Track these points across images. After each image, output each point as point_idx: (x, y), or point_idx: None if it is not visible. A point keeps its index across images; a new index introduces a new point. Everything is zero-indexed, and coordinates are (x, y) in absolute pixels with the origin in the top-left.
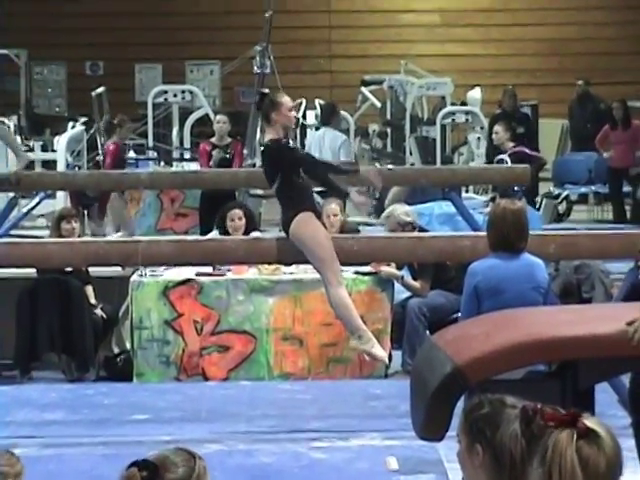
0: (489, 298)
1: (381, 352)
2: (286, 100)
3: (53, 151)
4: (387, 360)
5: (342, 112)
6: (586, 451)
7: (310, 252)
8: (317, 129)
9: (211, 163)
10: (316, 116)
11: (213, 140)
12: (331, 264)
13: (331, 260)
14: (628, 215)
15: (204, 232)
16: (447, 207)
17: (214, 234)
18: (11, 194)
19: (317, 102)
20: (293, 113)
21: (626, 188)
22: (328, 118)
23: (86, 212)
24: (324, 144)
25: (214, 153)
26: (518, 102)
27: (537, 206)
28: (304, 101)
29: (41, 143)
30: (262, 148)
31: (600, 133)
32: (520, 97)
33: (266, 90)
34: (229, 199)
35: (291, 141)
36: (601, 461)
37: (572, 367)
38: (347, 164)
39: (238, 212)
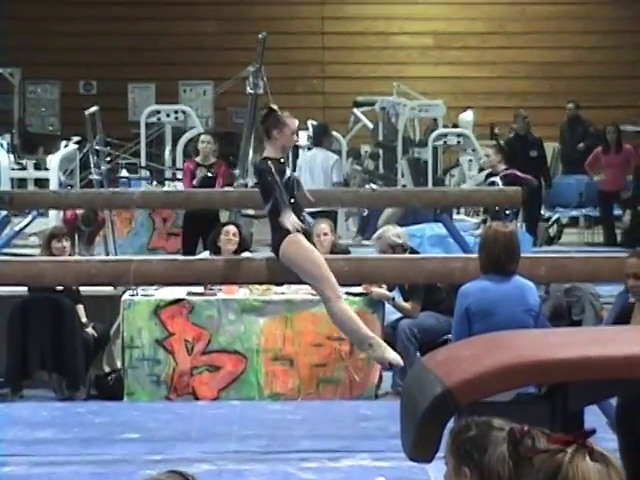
0: (480, 320)
1: (394, 355)
2: (292, 122)
3: (46, 169)
4: (402, 363)
5: (334, 133)
6: (599, 468)
7: (304, 272)
8: (309, 149)
9: (194, 182)
10: (308, 137)
11: (197, 159)
12: (327, 280)
13: (327, 276)
14: (619, 238)
15: (187, 252)
16: (438, 229)
17: (205, 254)
18: (3, 212)
19: (309, 123)
20: (295, 137)
21: (617, 211)
22: (320, 139)
23: (77, 236)
24: (316, 164)
25: (197, 172)
26: (531, 125)
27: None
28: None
29: (34, 162)
30: (255, 165)
31: (590, 156)
32: (511, 121)
33: (275, 106)
34: (213, 220)
35: (272, 170)
36: (614, 477)
37: (562, 390)
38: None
39: (233, 228)
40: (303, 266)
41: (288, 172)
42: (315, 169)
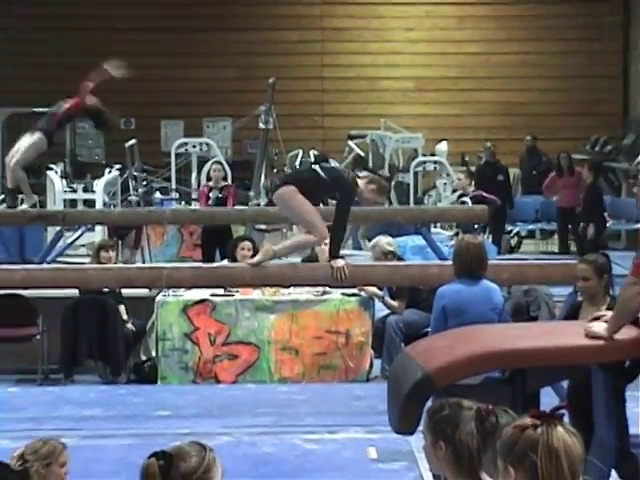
0: (454, 317)
1: None
2: (373, 197)
3: (93, 192)
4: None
5: (332, 160)
6: (569, 436)
7: (294, 211)
8: None
9: (209, 202)
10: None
11: (210, 184)
12: (316, 220)
13: (312, 211)
14: (572, 248)
15: (207, 260)
16: (419, 240)
17: (224, 262)
18: (57, 228)
19: (312, 152)
20: (372, 203)
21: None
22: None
23: (120, 242)
24: None
25: (211, 194)
26: (496, 154)
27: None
28: (300, 152)
29: (83, 185)
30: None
31: (546, 181)
32: (479, 150)
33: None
34: (226, 233)
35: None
36: (579, 447)
37: (521, 374)
38: None
39: (248, 244)
40: (291, 206)
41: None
42: None
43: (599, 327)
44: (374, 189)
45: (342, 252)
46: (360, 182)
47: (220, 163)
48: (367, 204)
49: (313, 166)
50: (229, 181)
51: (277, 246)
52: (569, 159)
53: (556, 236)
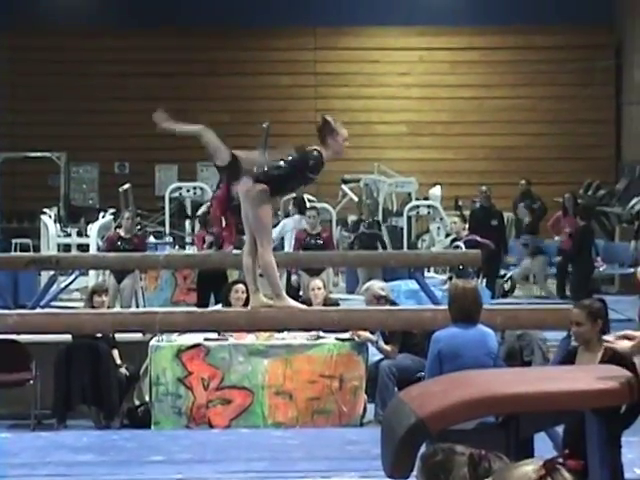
0: (449, 361)
1: (296, 304)
2: (344, 132)
3: (87, 236)
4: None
5: (325, 205)
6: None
7: (255, 216)
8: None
9: (205, 246)
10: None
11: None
12: (268, 232)
13: (269, 230)
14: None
15: (202, 305)
16: (412, 285)
17: (218, 307)
18: (51, 272)
19: (305, 196)
20: (347, 143)
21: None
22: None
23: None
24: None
25: (207, 238)
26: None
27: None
28: (293, 195)
29: (77, 230)
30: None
31: (552, 219)
32: (472, 194)
33: (329, 117)
34: (221, 277)
35: (313, 168)
36: None
37: (515, 419)
38: None
39: (242, 287)
40: (257, 211)
41: (316, 177)
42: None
43: (623, 344)
44: (335, 135)
45: (336, 296)
46: (322, 148)
47: None
48: (340, 150)
49: (280, 163)
50: (223, 225)
51: (263, 296)
52: (573, 200)
53: (550, 280)
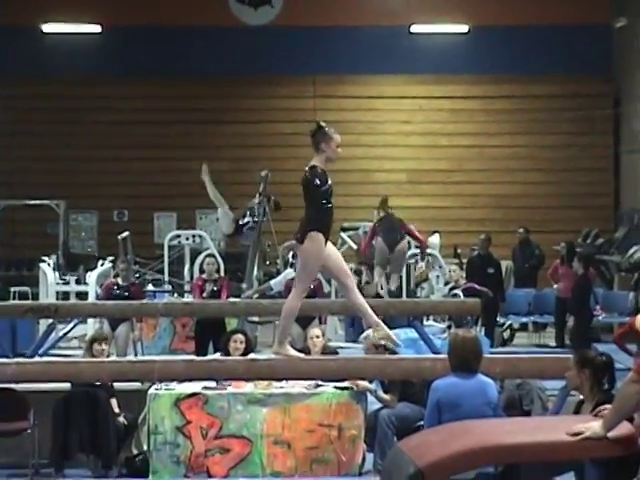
0: (449, 411)
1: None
2: (337, 137)
3: (85, 284)
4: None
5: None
6: None
7: (303, 264)
8: None
9: (204, 294)
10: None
11: (204, 276)
12: (307, 283)
13: (309, 280)
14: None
15: (200, 353)
16: (411, 333)
17: (217, 355)
18: (50, 320)
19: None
20: (339, 150)
21: None
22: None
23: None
24: None
25: (206, 286)
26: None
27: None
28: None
29: (75, 277)
30: (304, 172)
31: (551, 268)
32: (471, 242)
33: (323, 122)
34: (220, 326)
35: (318, 180)
36: None
37: (515, 470)
38: None
39: (240, 336)
40: (306, 259)
41: (329, 181)
42: None
43: (592, 426)
44: (328, 141)
45: (335, 344)
46: (317, 159)
47: (213, 256)
48: (333, 155)
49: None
50: (222, 273)
51: (279, 345)
52: (567, 249)
53: (549, 329)
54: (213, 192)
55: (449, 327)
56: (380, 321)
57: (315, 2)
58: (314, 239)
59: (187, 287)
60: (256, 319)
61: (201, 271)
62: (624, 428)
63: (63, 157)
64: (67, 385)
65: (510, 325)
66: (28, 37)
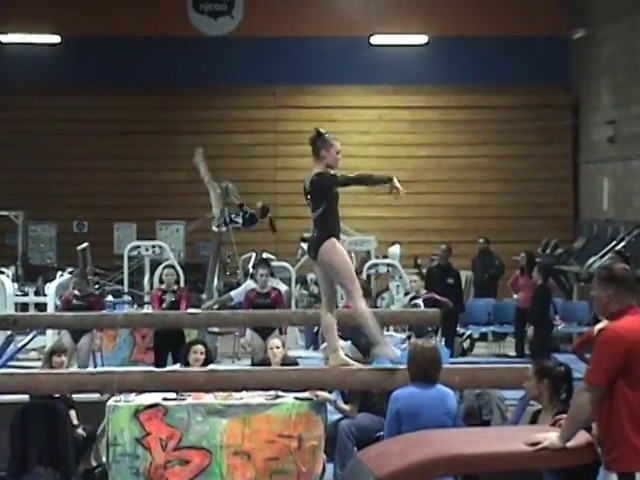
0: (408, 421)
1: (394, 351)
2: (337, 144)
3: (44, 295)
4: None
5: (285, 263)
6: None
7: (337, 271)
8: None
9: (163, 305)
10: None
11: (163, 287)
12: (354, 281)
13: (354, 277)
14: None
15: (159, 364)
16: None
17: (176, 366)
18: (8, 332)
19: (264, 254)
20: (339, 157)
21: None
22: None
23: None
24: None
25: (165, 297)
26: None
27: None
28: (253, 254)
29: (34, 289)
30: (312, 179)
31: (511, 278)
32: (430, 252)
33: (322, 130)
34: (178, 337)
35: (331, 171)
36: None
37: (474, 479)
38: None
39: (200, 347)
40: (338, 265)
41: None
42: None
43: (550, 436)
44: (328, 147)
45: (296, 353)
46: (319, 166)
47: (173, 267)
48: (334, 162)
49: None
50: (182, 284)
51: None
52: (526, 259)
53: (509, 339)
54: (207, 176)
55: (409, 337)
56: (340, 347)
57: (275, 13)
58: (331, 244)
59: (147, 298)
60: (216, 330)
61: (161, 282)
62: (581, 437)
63: (22, 168)
64: (25, 397)
65: (470, 335)
66: None
